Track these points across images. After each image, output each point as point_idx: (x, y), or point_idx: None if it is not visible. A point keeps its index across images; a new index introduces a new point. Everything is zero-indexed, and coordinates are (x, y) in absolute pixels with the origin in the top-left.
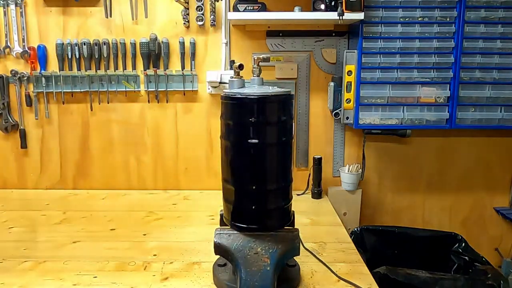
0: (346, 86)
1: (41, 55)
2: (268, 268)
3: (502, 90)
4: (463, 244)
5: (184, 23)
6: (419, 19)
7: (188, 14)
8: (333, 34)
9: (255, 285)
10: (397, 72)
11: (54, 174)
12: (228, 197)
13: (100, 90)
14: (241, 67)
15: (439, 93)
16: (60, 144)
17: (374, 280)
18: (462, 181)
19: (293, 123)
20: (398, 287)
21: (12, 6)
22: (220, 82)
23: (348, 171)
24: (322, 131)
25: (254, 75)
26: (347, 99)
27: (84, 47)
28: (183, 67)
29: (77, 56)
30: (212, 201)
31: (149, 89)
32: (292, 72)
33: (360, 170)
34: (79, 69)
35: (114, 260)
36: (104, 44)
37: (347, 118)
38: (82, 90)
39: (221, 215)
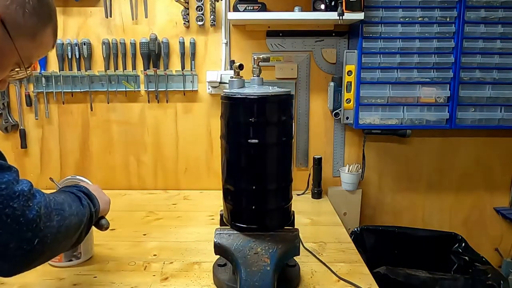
0: (346, 86)
1: None
2: (268, 268)
3: (502, 90)
4: (463, 244)
5: (184, 23)
6: (419, 19)
7: (188, 14)
8: (333, 34)
9: (255, 285)
10: (397, 72)
11: (54, 174)
12: (228, 197)
13: (100, 90)
14: (241, 67)
15: (439, 93)
16: (60, 144)
17: (374, 280)
18: (462, 181)
19: (293, 123)
20: (398, 287)
21: None
22: (220, 82)
23: (348, 171)
24: (322, 131)
25: (254, 75)
26: (347, 99)
27: (84, 47)
28: (183, 67)
29: (77, 56)
30: (212, 201)
31: (149, 89)
32: (292, 72)
33: (360, 170)
34: (79, 69)
35: (114, 260)
36: (104, 44)
37: (347, 118)
38: (82, 90)
39: (221, 215)
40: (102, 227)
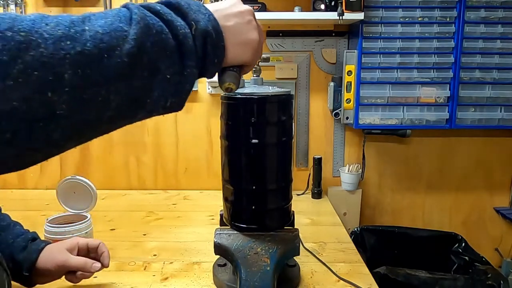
0: (346, 86)
1: None
2: (268, 268)
3: (502, 90)
4: (463, 244)
5: None
6: (419, 19)
7: None
8: (333, 34)
9: (255, 285)
10: (397, 72)
11: (54, 174)
12: (228, 197)
13: None
14: None
15: (439, 93)
16: None
17: (374, 280)
18: (462, 181)
19: (293, 123)
20: (398, 287)
21: (12, 6)
22: None
23: (348, 171)
24: (322, 131)
25: (254, 75)
26: (347, 99)
27: None
28: None
29: None
30: (212, 201)
31: None
32: (292, 72)
33: (360, 170)
34: None
35: (114, 260)
36: None
37: (347, 118)
38: None
39: (221, 215)
40: (223, 84)
